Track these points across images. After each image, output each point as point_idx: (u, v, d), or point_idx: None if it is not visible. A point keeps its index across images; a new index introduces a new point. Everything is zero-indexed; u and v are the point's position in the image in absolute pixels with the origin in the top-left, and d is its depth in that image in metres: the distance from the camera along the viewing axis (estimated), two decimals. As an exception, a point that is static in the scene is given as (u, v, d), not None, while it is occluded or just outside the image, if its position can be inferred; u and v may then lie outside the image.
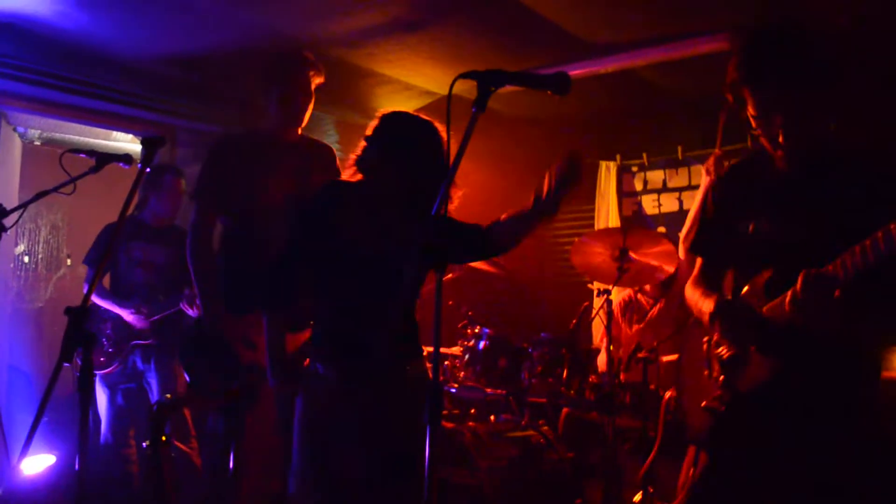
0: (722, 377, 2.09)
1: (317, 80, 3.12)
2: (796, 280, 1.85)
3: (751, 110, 2.02)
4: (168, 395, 2.43)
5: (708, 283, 2.24)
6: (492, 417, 4.18)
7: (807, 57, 1.94)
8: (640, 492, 3.79)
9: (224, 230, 3.14)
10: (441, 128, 2.50)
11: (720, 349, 2.11)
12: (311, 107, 3.12)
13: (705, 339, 2.20)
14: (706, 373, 2.16)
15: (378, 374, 2.43)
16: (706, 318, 2.15)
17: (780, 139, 1.96)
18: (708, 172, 4.32)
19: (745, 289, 2.07)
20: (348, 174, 2.53)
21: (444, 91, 5.18)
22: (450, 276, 4.26)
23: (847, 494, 1.91)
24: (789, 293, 1.88)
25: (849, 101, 2.07)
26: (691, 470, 3.27)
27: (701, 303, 2.19)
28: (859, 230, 1.77)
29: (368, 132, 2.50)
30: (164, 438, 2.11)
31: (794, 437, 1.97)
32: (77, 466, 1.79)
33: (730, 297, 2.14)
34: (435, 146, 2.46)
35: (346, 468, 2.43)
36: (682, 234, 4.43)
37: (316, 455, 2.45)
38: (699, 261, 2.32)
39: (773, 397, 1.99)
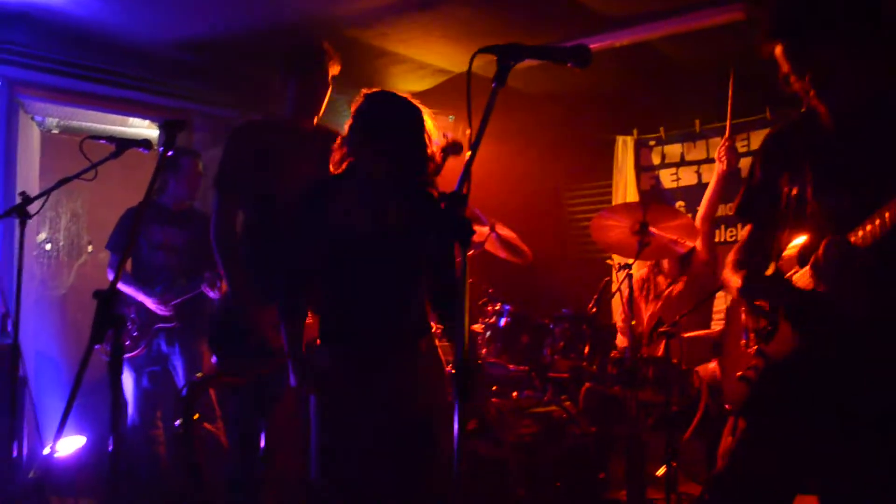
0: (755, 347, 2.09)
1: (334, 70, 3.16)
2: (822, 248, 1.82)
3: (781, 66, 1.95)
4: (199, 374, 2.45)
5: (753, 249, 2.19)
6: (514, 394, 4.19)
7: (843, 5, 1.88)
8: (664, 466, 3.80)
9: (245, 217, 3.17)
10: (424, 110, 2.51)
11: (755, 319, 2.11)
12: (328, 96, 3.16)
13: (742, 309, 2.20)
14: (742, 343, 2.17)
15: (391, 354, 2.47)
16: (734, 293, 2.14)
17: (812, 94, 1.91)
18: (720, 160, 4.28)
19: (782, 256, 2.04)
20: (336, 156, 2.55)
21: (458, 69, 5.19)
22: (470, 252, 4.25)
23: (883, 462, 1.89)
24: (811, 260, 1.87)
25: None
26: (729, 437, 3.28)
27: (730, 278, 2.16)
28: None
29: (353, 110, 2.52)
30: (196, 417, 2.13)
31: (824, 405, 1.94)
32: (111, 447, 1.82)
33: (770, 266, 2.10)
34: (414, 128, 2.47)
35: (365, 447, 2.45)
36: (698, 214, 4.40)
37: (334, 437, 2.48)
38: (748, 227, 2.26)
39: (802, 366, 1.97)
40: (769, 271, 2.09)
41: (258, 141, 3.11)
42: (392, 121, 2.47)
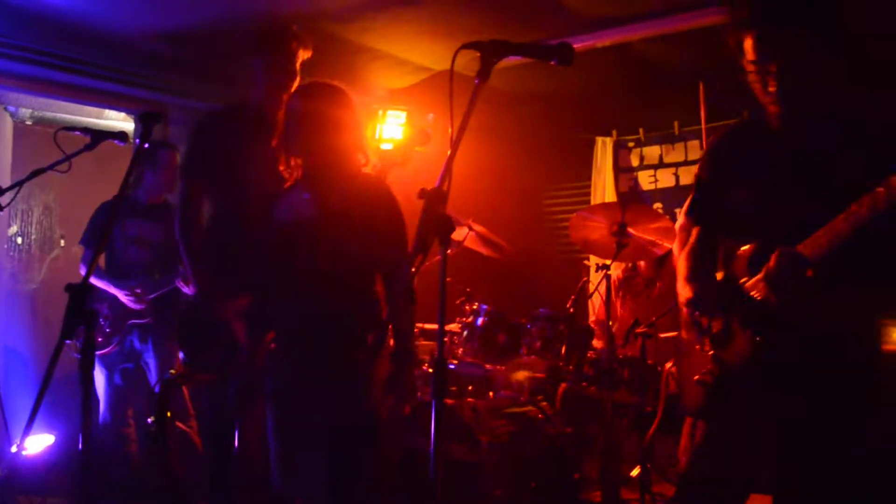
0: (711, 351, 2.11)
1: (303, 55, 3.10)
2: (773, 256, 1.87)
3: (748, 56, 1.98)
4: (172, 372, 2.42)
5: (703, 253, 2.21)
6: (490, 393, 4.19)
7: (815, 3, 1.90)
8: (638, 466, 3.81)
9: (212, 207, 3.12)
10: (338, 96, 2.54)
11: (709, 324, 2.12)
12: (296, 80, 3.08)
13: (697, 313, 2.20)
14: (698, 347, 2.18)
15: (337, 347, 2.44)
16: (682, 303, 2.18)
17: (772, 88, 1.93)
18: None
19: (732, 261, 2.07)
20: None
21: (440, 66, 5.17)
22: (449, 251, 4.24)
23: (832, 463, 1.94)
24: (763, 271, 1.91)
25: (863, 65, 2.01)
26: (687, 438, 3.32)
27: (681, 290, 2.20)
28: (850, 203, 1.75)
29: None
30: (169, 415, 2.10)
31: (775, 408, 2.00)
32: (80, 446, 1.78)
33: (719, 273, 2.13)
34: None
35: (311, 446, 2.44)
36: (678, 221, 4.42)
37: (277, 435, 2.47)
38: (695, 229, 2.28)
39: (753, 370, 2.02)
40: (718, 277, 2.12)
41: (224, 128, 3.08)
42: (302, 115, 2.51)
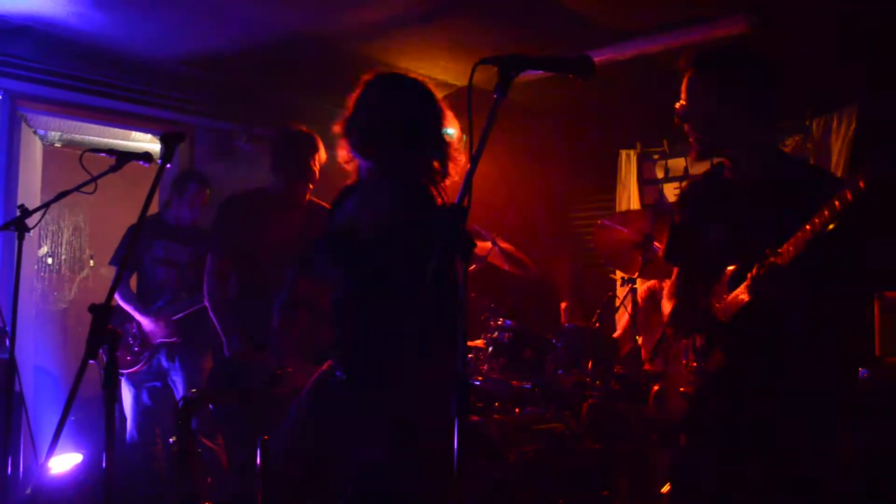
0: (694, 364, 2.25)
1: (321, 161, 3.54)
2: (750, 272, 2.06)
3: (682, 97, 2.27)
4: (194, 391, 2.42)
5: (682, 290, 2.44)
6: (517, 410, 4.15)
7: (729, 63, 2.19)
8: (668, 483, 3.75)
9: (238, 278, 3.50)
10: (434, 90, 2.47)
11: (694, 339, 2.29)
12: (315, 175, 3.53)
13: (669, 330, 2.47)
14: (684, 362, 2.33)
15: (388, 376, 2.29)
16: (665, 319, 2.46)
17: (691, 140, 2.23)
18: None
19: (713, 286, 2.25)
20: (344, 152, 2.45)
21: (460, 82, 5.17)
22: (472, 267, 4.24)
23: (803, 475, 2.05)
24: (745, 283, 2.08)
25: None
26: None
27: (664, 306, 2.48)
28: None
29: (364, 98, 2.42)
30: (190, 433, 2.10)
31: (750, 420, 2.11)
32: (104, 464, 1.79)
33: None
34: (437, 111, 2.40)
35: (346, 470, 2.34)
36: None
37: (317, 454, 2.37)
38: (675, 270, 2.52)
39: (730, 382, 2.17)
40: (700, 303, 2.30)
41: (246, 210, 3.47)
42: (417, 106, 2.38)
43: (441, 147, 2.39)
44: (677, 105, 2.26)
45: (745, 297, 2.10)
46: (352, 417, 2.29)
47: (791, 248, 1.97)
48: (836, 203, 1.84)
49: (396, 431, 2.22)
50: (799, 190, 2.09)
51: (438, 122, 2.40)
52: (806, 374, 2.07)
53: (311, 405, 2.38)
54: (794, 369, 2.08)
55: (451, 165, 2.41)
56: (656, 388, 3.72)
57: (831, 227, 1.87)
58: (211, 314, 3.43)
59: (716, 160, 2.35)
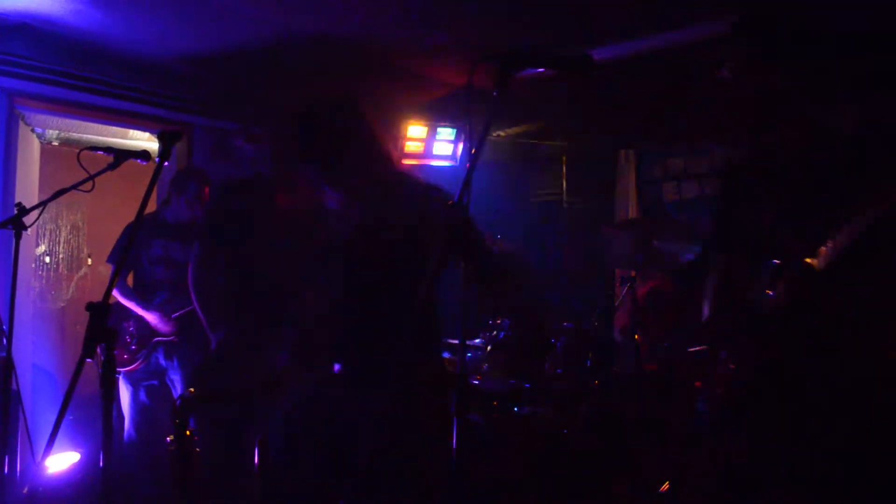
0: (733, 365, 2.18)
1: None
2: (787, 271, 2.01)
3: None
4: (191, 390, 2.41)
5: (729, 280, 2.32)
6: (515, 409, 4.14)
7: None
8: (667, 482, 3.74)
9: (225, 265, 3.47)
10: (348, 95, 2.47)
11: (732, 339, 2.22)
12: None
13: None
14: (723, 360, 2.24)
15: (385, 375, 2.31)
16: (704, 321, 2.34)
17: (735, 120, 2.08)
18: None
19: (757, 278, 2.16)
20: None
21: (460, 81, 5.17)
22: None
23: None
24: (782, 281, 2.03)
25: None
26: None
27: (703, 306, 2.36)
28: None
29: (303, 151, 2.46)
30: (188, 433, 2.09)
31: (791, 418, 2.07)
32: (102, 463, 1.78)
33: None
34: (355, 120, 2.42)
35: (344, 467, 2.36)
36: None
37: (316, 453, 2.40)
38: (723, 257, 2.38)
39: (770, 381, 2.10)
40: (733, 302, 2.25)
41: (236, 202, 3.46)
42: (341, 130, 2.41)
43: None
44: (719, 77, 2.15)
45: (782, 296, 2.04)
46: (357, 415, 2.31)
47: (828, 250, 1.89)
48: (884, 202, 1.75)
49: (399, 428, 2.24)
50: (846, 178, 1.96)
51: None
52: (843, 378, 2.00)
53: (315, 406, 2.39)
54: (829, 370, 2.01)
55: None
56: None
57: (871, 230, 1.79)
58: (196, 305, 3.35)
59: (764, 140, 2.22)
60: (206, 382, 3.05)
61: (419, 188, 2.42)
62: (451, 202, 1.65)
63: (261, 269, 3.12)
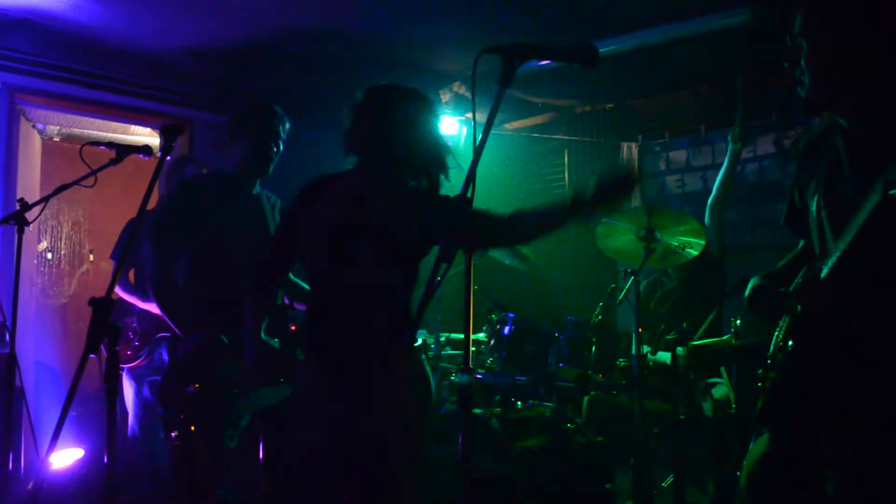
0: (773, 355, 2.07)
1: (283, 132, 3.21)
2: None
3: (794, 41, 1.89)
4: (196, 385, 2.40)
5: (797, 262, 2.16)
6: (518, 403, 4.13)
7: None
8: (672, 476, 3.74)
9: (188, 264, 3.12)
10: (428, 97, 2.47)
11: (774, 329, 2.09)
12: (276, 159, 3.19)
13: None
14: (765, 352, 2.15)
15: (358, 364, 2.34)
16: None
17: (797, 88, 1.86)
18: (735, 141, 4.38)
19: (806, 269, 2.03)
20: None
21: (466, 73, 5.16)
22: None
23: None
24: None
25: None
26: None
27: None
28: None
29: (356, 109, 2.48)
30: (192, 429, 2.09)
31: (834, 411, 1.93)
32: (106, 459, 1.77)
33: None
34: (429, 116, 2.44)
35: (322, 459, 2.35)
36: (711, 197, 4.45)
37: (294, 445, 2.39)
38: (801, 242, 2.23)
39: (811, 373, 1.96)
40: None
41: (200, 197, 3.09)
42: (405, 110, 2.42)
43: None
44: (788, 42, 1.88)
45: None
46: (357, 410, 2.31)
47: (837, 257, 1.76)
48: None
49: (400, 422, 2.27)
50: None
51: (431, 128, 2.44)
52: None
53: (317, 401, 2.39)
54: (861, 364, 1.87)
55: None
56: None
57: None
58: (161, 310, 3.07)
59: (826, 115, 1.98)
60: (206, 378, 2.95)
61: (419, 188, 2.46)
62: (456, 195, 1.63)
63: (224, 267, 3.00)
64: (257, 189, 3.21)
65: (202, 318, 2.98)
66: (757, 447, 2.14)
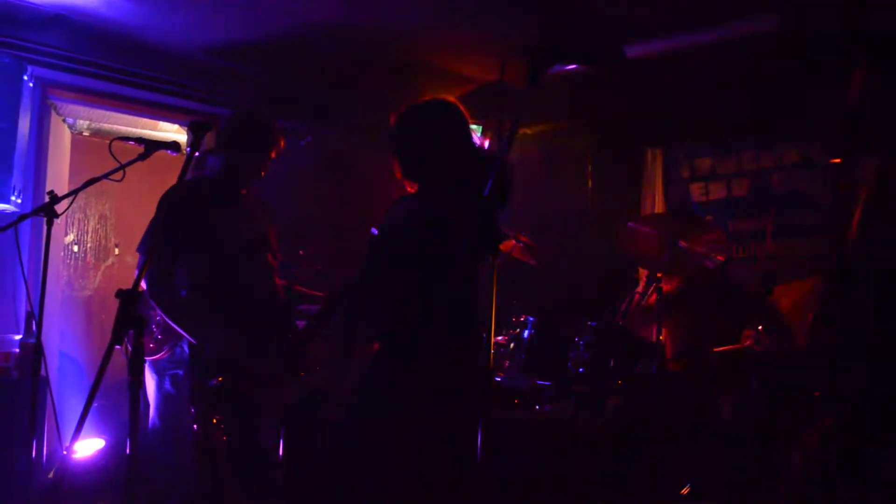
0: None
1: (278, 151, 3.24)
2: None
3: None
4: (219, 378, 2.42)
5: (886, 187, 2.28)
6: (537, 407, 4.13)
7: None
8: (689, 484, 3.72)
9: (186, 270, 3.07)
10: (458, 106, 2.53)
11: None
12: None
13: None
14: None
15: (430, 366, 2.37)
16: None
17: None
18: None
19: None
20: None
21: (490, 77, 5.15)
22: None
23: None
24: None
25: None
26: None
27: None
28: None
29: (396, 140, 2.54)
30: (214, 421, 2.11)
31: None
32: (129, 450, 1.80)
33: None
34: (463, 126, 2.51)
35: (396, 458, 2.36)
36: None
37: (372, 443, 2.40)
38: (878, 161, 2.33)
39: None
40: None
41: (186, 205, 3.04)
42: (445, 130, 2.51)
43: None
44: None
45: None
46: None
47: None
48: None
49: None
50: None
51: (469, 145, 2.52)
52: None
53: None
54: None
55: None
56: None
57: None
58: (168, 317, 3.00)
59: None
60: (228, 372, 2.93)
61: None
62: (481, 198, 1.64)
63: (223, 271, 2.97)
64: (242, 191, 3.22)
65: (209, 322, 2.95)
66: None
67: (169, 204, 3.06)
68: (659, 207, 5.77)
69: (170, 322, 3.01)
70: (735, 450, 3.72)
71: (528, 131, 6.36)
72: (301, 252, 4.03)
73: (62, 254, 5.64)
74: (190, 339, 2.93)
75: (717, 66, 4.83)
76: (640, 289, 4.43)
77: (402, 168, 2.55)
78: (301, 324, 3.04)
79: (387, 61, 4.77)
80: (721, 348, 3.89)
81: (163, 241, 3.00)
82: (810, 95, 4.47)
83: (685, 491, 3.83)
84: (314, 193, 5.23)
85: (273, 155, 3.20)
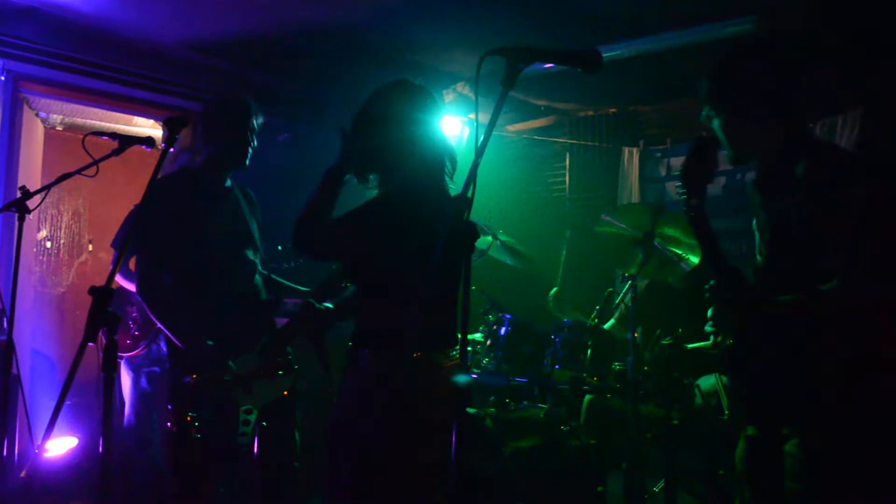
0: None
1: (257, 124, 3.20)
2: None
3: None
4: (194, 376, 2.40)
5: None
6: (513, 404, 4.14)
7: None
8: (663, 480, 3.75)
9: (173, 268, 3.01)
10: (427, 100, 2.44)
11: None
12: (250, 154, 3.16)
13: None
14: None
15: (408, 362, 2.36)
16: None
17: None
18: None
19: None
20: None
21: (471, 73, 5.16)
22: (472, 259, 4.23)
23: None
24: None
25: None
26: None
27: None
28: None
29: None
30: (188, 419, 2.09)
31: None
32: (102, 448, 1.78)
33: None
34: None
35: (373, 456, 2.35)
36: None
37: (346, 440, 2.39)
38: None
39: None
40: None
41: (171, 198, 2.99)
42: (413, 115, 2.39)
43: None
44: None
45: None
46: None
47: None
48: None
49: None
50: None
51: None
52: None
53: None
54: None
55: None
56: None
57: None
58: (154, 316, 2.94)
59: None
60: (206, 369, 2.89)
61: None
62: (456, 195, 1.64)
63: (209, 266, 2.93)
64: (228, 183, 3.18)
65: (192, 318, 2.90)
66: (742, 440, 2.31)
67: (153, 198, 3.02)
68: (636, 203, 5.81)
69: (153, 318, 2.96)
70: (709, 444, 3.76)
71: (509, 128, 6.38)
72: (279, 248, 4.01)
73: (34, 250, 5.58)
74: (171, 336, 2.87)
75: (695, 66, 4.87)
76: (615, 286, 4.46)
77: (367, 160, 2.43)
78: (281, 321, 3.03)
79: (364, 58, 4.76)
80: (691, 345, 3.94)
81: (148, 237, 2.95)
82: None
83: (659, 487, 3.87)
84: (291, 189, 5.21)
85: (253, 129, 3.14)
